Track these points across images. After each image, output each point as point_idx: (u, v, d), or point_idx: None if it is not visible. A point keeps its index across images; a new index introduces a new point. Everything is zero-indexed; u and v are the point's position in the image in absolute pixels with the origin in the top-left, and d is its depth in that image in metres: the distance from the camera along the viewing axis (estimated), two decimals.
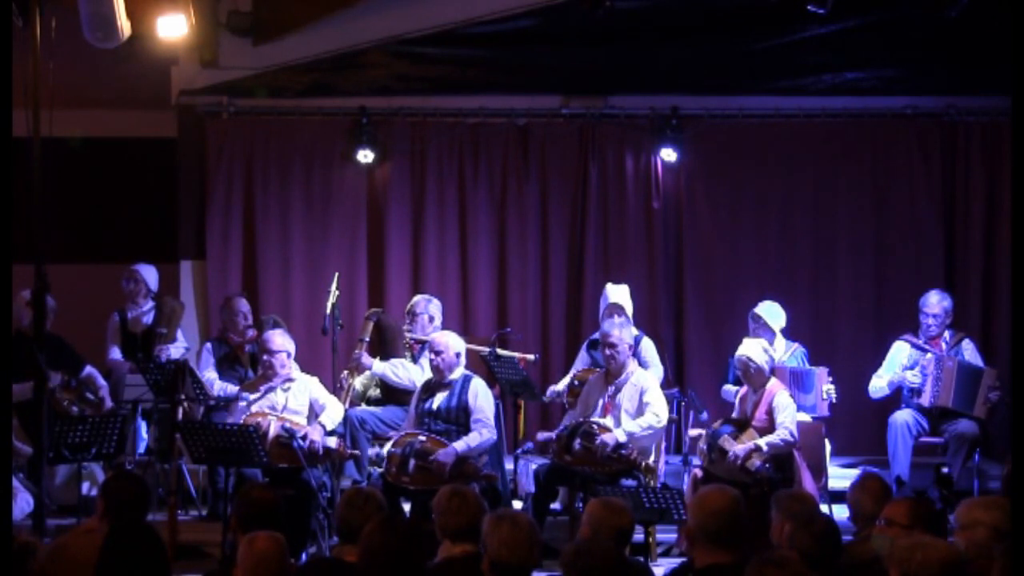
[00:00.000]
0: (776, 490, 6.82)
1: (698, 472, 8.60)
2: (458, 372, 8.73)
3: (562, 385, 9.62)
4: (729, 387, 9.62)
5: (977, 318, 10.92)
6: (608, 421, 8.60)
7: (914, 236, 11.15)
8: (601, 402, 8.76)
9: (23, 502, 8.32)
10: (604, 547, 4.64)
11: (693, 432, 8.89)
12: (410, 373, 9.30)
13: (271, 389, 8.84)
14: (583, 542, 4.83)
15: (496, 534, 4.75)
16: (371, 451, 8.70)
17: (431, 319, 9.55)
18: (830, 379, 9.42)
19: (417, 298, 9.79)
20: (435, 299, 9.78)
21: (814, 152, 11.22)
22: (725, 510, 4.89)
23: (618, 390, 8.73)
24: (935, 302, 9.72)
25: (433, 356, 8.72)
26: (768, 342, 9.46)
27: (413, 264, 11.19)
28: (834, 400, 9.41)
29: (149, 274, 10.25)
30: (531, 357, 9.74)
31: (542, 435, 8.83)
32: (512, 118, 11.19)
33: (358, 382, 9.43)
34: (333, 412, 8.77)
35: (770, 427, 8.51)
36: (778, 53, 10.59)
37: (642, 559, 7.27)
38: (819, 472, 8.78)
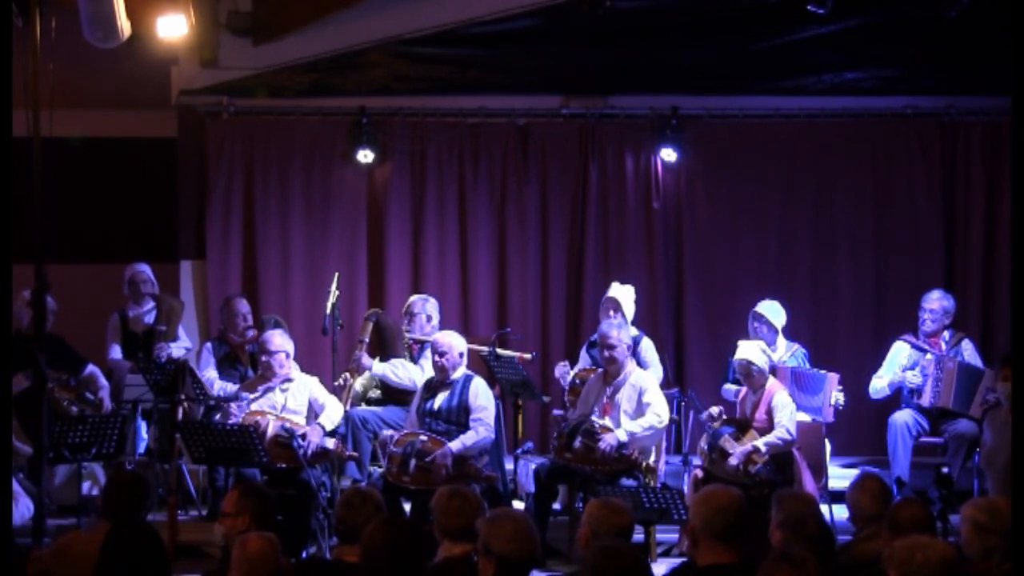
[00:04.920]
0: (776, 491, 6.81)
1: (699, 472, 8.61)
2: (459, 372, 8.73)
3: (571, 375, 9.57)
4: (729, 386, 9.61)
5: (977, 318, 10.93)
6: (607, 422, 8.59)
7: (914, 236, 11.15)
8: (600, 402, 8.76)
9: (23, 507, 8.30)
10: (633, 552, 4.62)
11: (715, 410, 8.79)
12: (410, 373, 9.30)
13: (270, 389, 8.85)
14: (610, 543, 4.78)
15: (500, 533, 4.72)
16: (384, 433, 8.66)
17: (429, 318, 9.56)
18: (840, 387, 9.39)
19: (414, 298, 9.79)
20: (432, 298, 9.78)
21: (814, 152, 11.23)
22: (731, 508, 4.88)
23: (616, 390, 8.72)
24: (935, 299, 9.73)
25: (437, 356, 8.72)
26: (771, 341, 9.47)
27: (413, 264, 11.19)
28: (841, 407, 9.39)
29: (150, 272, 10.28)
30: (528, 356, 9.73)
31: (557, 411, 8.77)
32: (512, 118, 11.19)
33: (358, 383, 9.42)
34: (332, 412, 8.77)
35: (770, 427, 8.52)
36: (778, 53, 10.59)
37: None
38: (819, 472, 8.78)
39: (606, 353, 8.77)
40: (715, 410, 8.74)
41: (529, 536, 4.72)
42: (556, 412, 8.86)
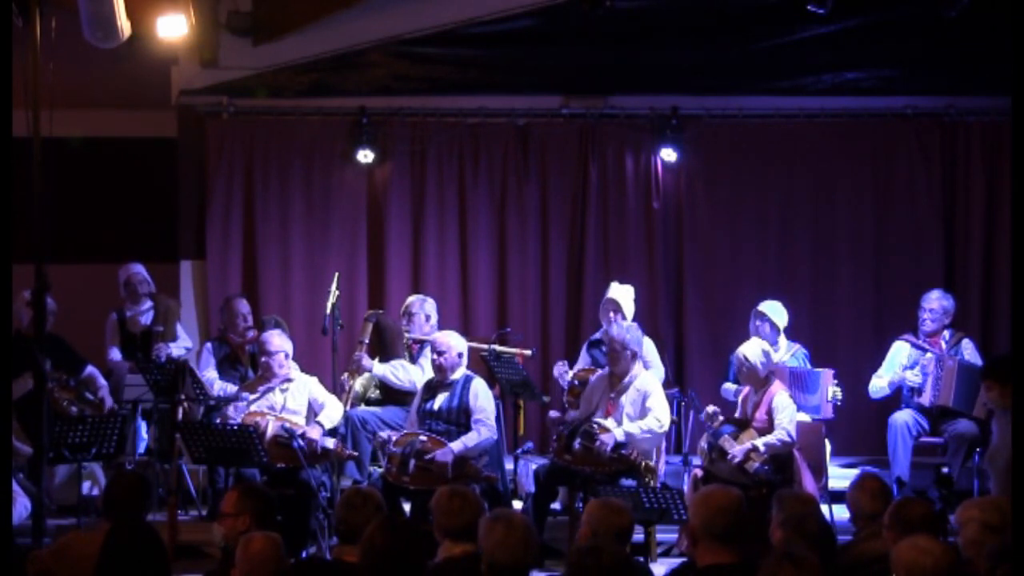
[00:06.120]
0: (776, 491, 6.81)
1: (698, 472, 8.61)
2: (459, 372, 8.73)
3: (570, 375, 9.58)
4: (729, 385, 9.62)
5: (977, 318, 10.93)
6: (610, 422, 8.59)
7: (914, 236, 11.15)
8: (604, 403, 8.76)
9: (20, 507, 8.31)
10: (612, 549, 4.63)
11: (710, 409, 8.75)
12: (410, 374, 9.29)
13: (270, 389, 8.85)
14: (590, 542, 4.81)
15: (491, 536, 4.75)
16: (381, 434, 8.65)
17: (427, 318, 9.57)
18: (835, 382, 9.40)
19: (412, 298, 9.79)
20: (429, 298, 9.79)
21: (814, 152, 11.23)
22: (731, 508, 4.89)
23: (621, 392, 8.71)
24: (935, 298, 9.73)
25: (436, 356, 8.72)
26: (772, 340, 9.47)
27: (413, 264, 11.19)
28: (839, 402, 9.40)
29: (145, 272, 10.27)
30: (528, 352, 9.74)
31: (553, 413, 8.79)
32: (512, 118, 11.19)
33: (358, 383, 9.42)
34: (332, 411, 8.78)
35: (770, 428, 8.51)
36: (778, 53, 10.59)
37: (642, 559, 7.27)
38: (819, 472, 8.78)
39: (611, 356, 8.75)
40: (711, 409, 8.72)
41: (520, 542, 4.72)
42: (552, 414, 8.85)
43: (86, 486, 9.20)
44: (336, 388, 9.25)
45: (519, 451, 9.15)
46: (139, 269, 10.23)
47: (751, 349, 8.71)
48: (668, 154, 11.04)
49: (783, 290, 10.55)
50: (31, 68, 7.22)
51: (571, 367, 9.80)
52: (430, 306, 9.64)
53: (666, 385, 9.41)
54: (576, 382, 9.44)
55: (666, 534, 8.52)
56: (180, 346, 10.09)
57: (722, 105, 11.16)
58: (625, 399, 8.68)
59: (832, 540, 5.45)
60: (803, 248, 11.22)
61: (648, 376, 8.89)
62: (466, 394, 8.64)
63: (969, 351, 9.65)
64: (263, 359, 8.89)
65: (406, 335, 9.52)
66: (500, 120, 11.20)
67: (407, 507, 8.50)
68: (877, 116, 11.18)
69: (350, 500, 5.63)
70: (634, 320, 9.60)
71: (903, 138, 11.18)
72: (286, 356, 8.89)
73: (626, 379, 8.72)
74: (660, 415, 8.60)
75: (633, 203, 11.19)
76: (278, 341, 8.90)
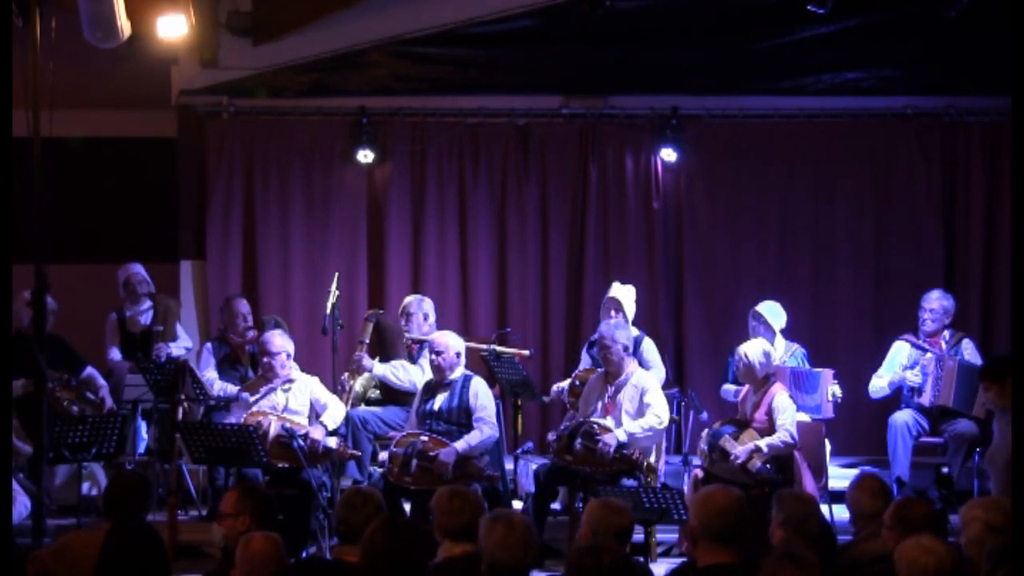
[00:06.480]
0: (777, 491, 6.81)
1: (699, 472, 8.61)
2: (458, 372, 8.73)
3: (566, 383, 9.61)
4: (729, 386, 9.61)
5: (977, 318, 10.93)
6: (609, 422, 8.59)
7: (914, 236, 11.15)
8: (601, 403, 8.76)
9: (20, 506, 8.31)
10: (612, 549, 4.63)
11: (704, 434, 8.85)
12: (410, 375, 9.29)
13: (272, 390, 8.85)
14: (590, 542, 4.81)
15: (491, 536, 4.75)
16: (379, 458, 8.67)
17: (426, 317, 9.57)
18: (835, 381, 9.41)
19: (409, 298, 9.79)
20: (427, 298, 9.79)
21: (814, 152, 11.23)
22: (730, 509, 4.88)
23: (618, 390, 8.72)
24: (935, 298, 9.73)
25: (434, 356, 8.72)
26: (768, 341, 9.47)
27: (413, 264, 11.19)
28: (839, 401, 9.41)
29: (144, 272, 10.27)
30: (527, 352, 9.74)
31: (552, 436, 8.81)
32: (512, 118, 11.20)
33: (358, 383, 9.42)
34: (334, 412, 8.78)
35: (770, 428, 8.51)
36: (778, 53, 10.59)
37: (642, 559, 7.27)
38: (819, 472, 8.78)
39: (601, 354, 8.78)
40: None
41: (520, 542, 4.73)
42: (551, 438, 8.82)
43: (86, 486, 9.20)
44: (336, 388, 9.25)
45: (519, 451, 9.15)
46: (138, 269, 10.23)
47: (752, 347, 8.72)
48: (668, 154, 11.04)
49: (783, 290, 10.55)
50: (31, 68, 7.23)
51: (566, 372, 9.82)
52: (428, 306, 9.64)
53: (666, 385, 9.41)
54: (577, 382, 9.44)
55: (666, 534, 8.52)
56: (180, 346, 10.09)
57: (722, 105, 11.16)
58: (623, 397, 8.68)
59: (832, 540, 5.45)
60: (803, 248, 11.22)
61: (644, 373, 8.90)
62: (466, 393, 8.65)
63: (969, 351, 9.65)
64: (265, 359, 8.89)
65: (405, 335, 9.52)
66: (500, 120, 11.20)
67: (407, 507, 8.50)
68: (877, 116, 11.18)
69: (350, 500, 5.63)
70: (634, 320, 9.61)
71: (903, 138, 11.18)
72: (288, 356, 8.89)
73: (622, 377, 8.73)
74: (659, 411, 8.61)
75: (633, 203, 11.19)
76: (279, 341, 8.90)
